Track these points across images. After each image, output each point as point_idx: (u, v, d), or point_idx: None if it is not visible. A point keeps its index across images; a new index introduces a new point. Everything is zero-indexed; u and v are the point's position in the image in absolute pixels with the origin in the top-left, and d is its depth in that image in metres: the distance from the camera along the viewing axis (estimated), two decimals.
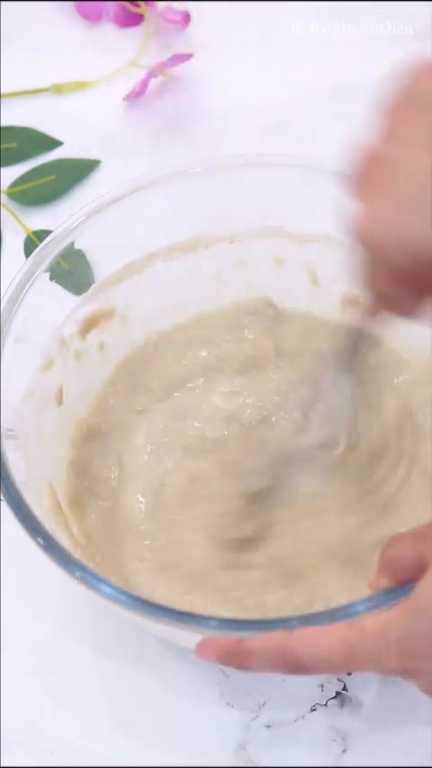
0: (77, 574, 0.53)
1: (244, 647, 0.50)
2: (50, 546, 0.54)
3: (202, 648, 0.51)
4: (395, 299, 0.50)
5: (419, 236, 0.46)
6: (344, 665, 0.49)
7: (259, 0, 0.88)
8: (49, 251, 0.63)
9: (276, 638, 0.49)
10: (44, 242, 0.64)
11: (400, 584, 0.51)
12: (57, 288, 0.64)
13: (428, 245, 0.46)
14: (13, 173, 0.81)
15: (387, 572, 0.51)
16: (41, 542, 0.54)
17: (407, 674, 0.48)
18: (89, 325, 0.67)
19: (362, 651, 0.48)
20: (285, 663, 0.49)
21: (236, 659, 0.50)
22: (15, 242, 0.78)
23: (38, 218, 0.79)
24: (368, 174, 0.48)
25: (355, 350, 0.60)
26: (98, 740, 0.61)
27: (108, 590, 0.53)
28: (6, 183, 0.81)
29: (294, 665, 0.49)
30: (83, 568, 0.54)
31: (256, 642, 0.50)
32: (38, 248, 0.63)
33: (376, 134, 0.48)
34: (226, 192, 0.67)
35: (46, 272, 0.63)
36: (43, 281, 0.63)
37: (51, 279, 0.64)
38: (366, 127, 0.49)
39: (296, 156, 0.66)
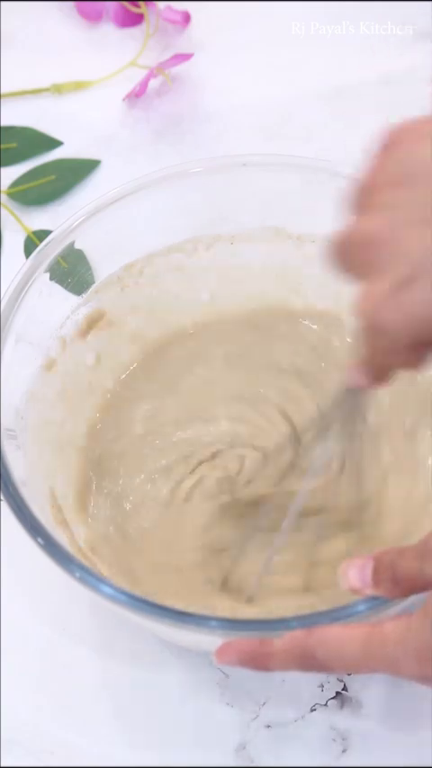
0: (77, 574, 0.53)
1: (265, 650, 0.50)
2: (50, 546, 0.54)
3: (223, 653, 0.51)
4: (394, 365, 0.50)
5: (419, 315, 0.46)
6: (363, 667, 0.49)
7: (259, 0, 0.88)
8: (49, 251, 0.63)
9: (296, 638, 0.50)
10: (44, 242, 0.64)
11: (406, 596, 0.50)
12: (57, 288, 0.64)
13: (429, 323, 0.46)
14: (13, 173, 0.81)
15: (395, 586, 0.50)
16: (41, 542, 0.54)
17: (424, 679, 0.48)
18: (89, 325, 0.67)
19: (382, 655, 0.48)
20: (304, 663, 0.50)
21: (256, 661, 0.51)
22: (15, 242, 0.78)
23: (38, 218, 0.79)
24: (360, 254, 0.47)
25: (348, 408, 0.57)
26: (98, 740, 0.61)
27: (108, 590, 0.53)
28: (6, 183, 0.81)
29: (312, 666, 0.50)
30: (83, 568, 0.54)
31: (276, 644, 0.50)
32: (38, 248, 0.63)
33: (358, 210, 0.48)
34: (226, 192, 0.67)
35: (46, 272, 0.63)
36: (43, 281, 0.63)
37: (51, 279, 0.64)
38: (347, 203, 0.48)
39: (296, 157, 0.66)
